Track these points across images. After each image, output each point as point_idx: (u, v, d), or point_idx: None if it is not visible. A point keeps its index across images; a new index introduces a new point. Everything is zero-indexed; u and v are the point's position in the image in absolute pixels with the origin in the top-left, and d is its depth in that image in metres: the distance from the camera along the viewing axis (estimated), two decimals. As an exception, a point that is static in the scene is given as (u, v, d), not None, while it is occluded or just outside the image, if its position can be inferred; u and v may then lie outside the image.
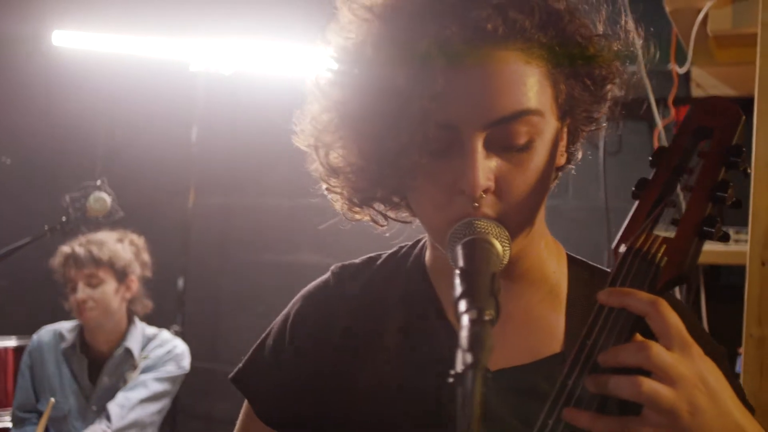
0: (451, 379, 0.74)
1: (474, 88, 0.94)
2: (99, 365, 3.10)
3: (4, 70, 3.63)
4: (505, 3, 0.94)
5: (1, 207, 3.72)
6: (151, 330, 3.19)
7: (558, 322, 1.09)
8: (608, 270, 1.17)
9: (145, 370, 3.07)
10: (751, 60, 2.39)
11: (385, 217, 1.13)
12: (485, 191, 0.95)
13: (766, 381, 2.14)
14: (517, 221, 0.99)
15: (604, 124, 1.10)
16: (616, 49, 1.04)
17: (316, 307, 1.18)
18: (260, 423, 1.18)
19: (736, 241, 2.71)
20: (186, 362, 3.16)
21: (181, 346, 3.18)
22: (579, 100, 1.02)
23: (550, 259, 1.12)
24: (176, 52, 3.54)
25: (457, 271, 0.87)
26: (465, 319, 0.79)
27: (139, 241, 3.22)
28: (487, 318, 0.78)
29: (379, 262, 1.20)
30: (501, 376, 1.05)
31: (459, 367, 0.74)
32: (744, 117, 0.95)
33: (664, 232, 0.97)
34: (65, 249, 3.05)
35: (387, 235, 1.19)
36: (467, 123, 0.94)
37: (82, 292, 3.01)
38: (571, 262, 1.16)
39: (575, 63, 1.00)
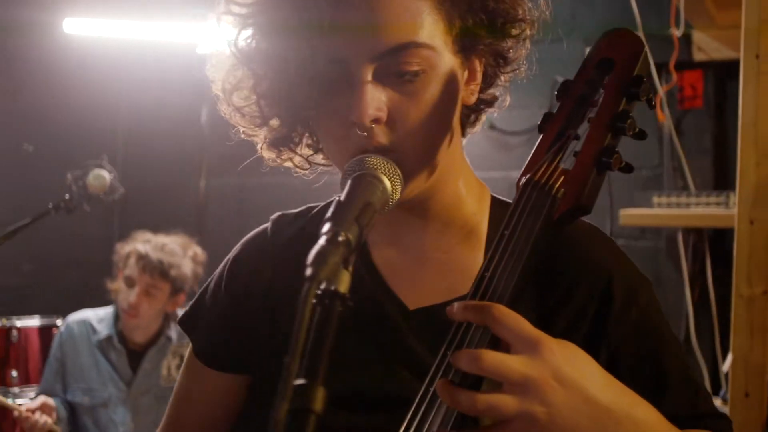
0: (314, 301, 0.76)
1: (360, 21, 0.95)
2: (137, 354, 3.21)
3: (18, 59, 3.72)
4: None
5: (23, 189, 3.82)
6: None
7: (476, 261, 1.10)
8: None
9: None
10: (750, 21, 2.36)
11: (309, 162, 1.16)
12: (376, 121, 0.97)
13: (756, 341, 2.12)
14: (414, 153, 1.00)
15: (524, 66, 1.10)
16: None
17: (251, 253, 1.21)
18: (199, 363, 1.21)
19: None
20: None
21: None
22: (480, 36, 1.02)
23: (469, 200, 1.13)
24: (183, 34, 3.59)
25: (335, 202, 0.88)
26: (319, 240, 0.79)
27: (201, 255, 3.33)
28: (340, 239, 0.79)
29: (314, 210, 1.23)
30: (418, 314, 1.08)
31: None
32: (646, 47, 0.95)
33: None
34: (140, 248, 3.13)
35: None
36: (355, 56, 0.96)
37: (137, 296, 3.11)
38: (495, 203, 1.17)
39: None
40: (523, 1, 1.05)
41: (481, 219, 1.14)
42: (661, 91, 3.03)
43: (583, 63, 0.98)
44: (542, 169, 0.93)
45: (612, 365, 1.03)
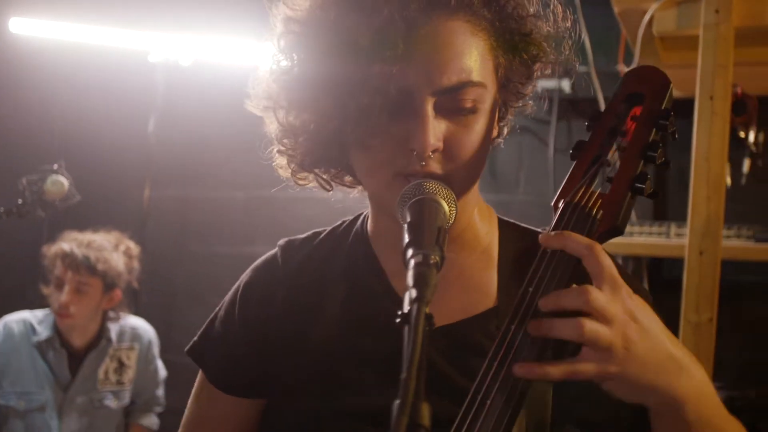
0: (398, 320, 0.79)
1: (428, 56, 1.00)
2: (76, 357, 3.14)
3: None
4: None
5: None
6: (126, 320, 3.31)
7: (491, 279, 1.16)
8: (537, 230, 1.25)
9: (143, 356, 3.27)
10: (693, 62, 2.51)
11: (329, 183, 1.19)
12: (434, 151, 1.01)
13: (702, 365, 2.24)
14: (461, 182, 1.06)
15: (530, 102, 1.17)
16: (546, 29, 1.11)
17: (263, 279, 1.24)
18: (213, 390, 1.23)
19: (678, 235, 2.81)
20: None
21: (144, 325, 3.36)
22: (515, 74, 1.10)
23: (482, 222, 1.19)
24: (135, 41, 3.55)
25: (405, 225, 0.93)
26: (411, 263, 0.85)
27: (135, 249, 3.28)
28: (432, 261, 0.84)
29: (322, 235, 1.27)
30: (439, 333, 1.11)
31: (406, 307, 0.79)
32: (671, 83, 1.03)
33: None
34: (64, 246, 3.06)
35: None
36: (420, 88, 1.00)
37: (67, 295, 3.03)
38: (502, 224, 1.24)
39: (514, 38, 1.07)
40: (549, 44, 1.12)
41: (492, 239, 1.20)
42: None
43: (614, 96, 1.05)
44: (581, 192, 0.99)
45: None
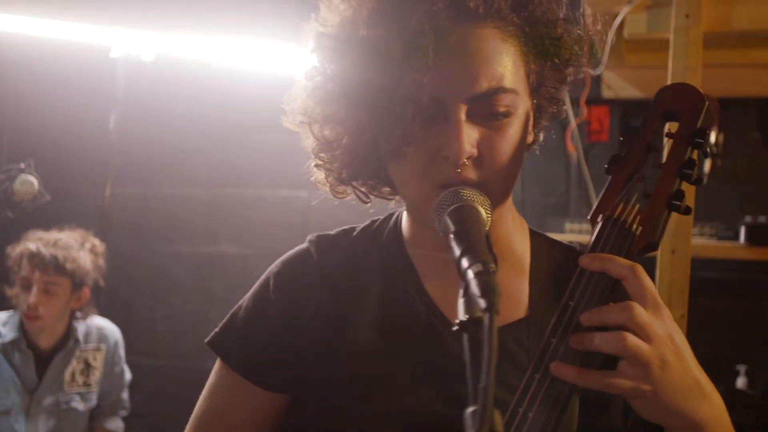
0: (455, 327, 0.81)
1: (459, 63, 1.02)
2: (43, 359, 3.07)
3: None
4: None
5: None
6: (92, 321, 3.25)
7: (522, 289, 1.18)
8: (567, 244, 1.28)
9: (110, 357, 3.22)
10: (657, 64, 2.58)
11: (366, 194, 1.20)
12: (468, 158, 1.03)
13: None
14: (496, 188, 1.07)
15: (565, 106, 1.20)
16: (577, 32, 1.13)
17: (297, 269, 1.22)
18: (234, 383, 1.20)
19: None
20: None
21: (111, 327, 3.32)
22: (546, 79, 1.11)
23: (515, 232, 1.21)
24: (97, 36, 3.47)
25: (451, 235, 0.94)
26: (470, 273, 0.85)
27: (100, 246, 3.22)
28: (492, 269, 0.85)
29: (354, 233, 1.26)
30: None
31: (462, 315, 0.81)
32: (707, 102, 1.07)
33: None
34: (30, 246, 2.99)
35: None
36: (452, 96, 1.02)
37: (36, 296, 2.97)
38: (533, 235, 1.26)
39: (544, 43, 1.08)
40: (581, 48, 1.14)
41: (524, 249, 1.22)
42: (574, 122, 3.23)
43: (649, 113, 1.08)
44: (620, 207, 1.02)
45: None
